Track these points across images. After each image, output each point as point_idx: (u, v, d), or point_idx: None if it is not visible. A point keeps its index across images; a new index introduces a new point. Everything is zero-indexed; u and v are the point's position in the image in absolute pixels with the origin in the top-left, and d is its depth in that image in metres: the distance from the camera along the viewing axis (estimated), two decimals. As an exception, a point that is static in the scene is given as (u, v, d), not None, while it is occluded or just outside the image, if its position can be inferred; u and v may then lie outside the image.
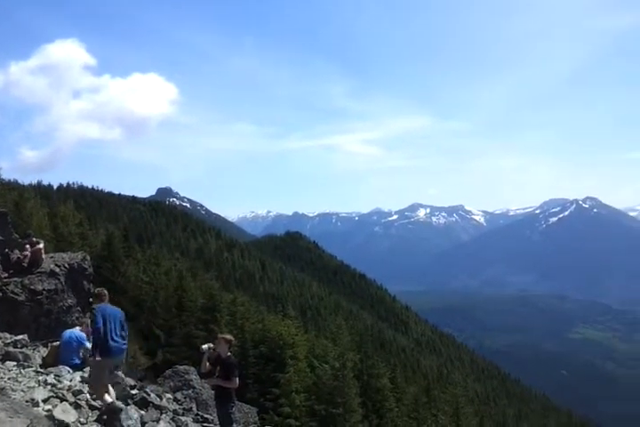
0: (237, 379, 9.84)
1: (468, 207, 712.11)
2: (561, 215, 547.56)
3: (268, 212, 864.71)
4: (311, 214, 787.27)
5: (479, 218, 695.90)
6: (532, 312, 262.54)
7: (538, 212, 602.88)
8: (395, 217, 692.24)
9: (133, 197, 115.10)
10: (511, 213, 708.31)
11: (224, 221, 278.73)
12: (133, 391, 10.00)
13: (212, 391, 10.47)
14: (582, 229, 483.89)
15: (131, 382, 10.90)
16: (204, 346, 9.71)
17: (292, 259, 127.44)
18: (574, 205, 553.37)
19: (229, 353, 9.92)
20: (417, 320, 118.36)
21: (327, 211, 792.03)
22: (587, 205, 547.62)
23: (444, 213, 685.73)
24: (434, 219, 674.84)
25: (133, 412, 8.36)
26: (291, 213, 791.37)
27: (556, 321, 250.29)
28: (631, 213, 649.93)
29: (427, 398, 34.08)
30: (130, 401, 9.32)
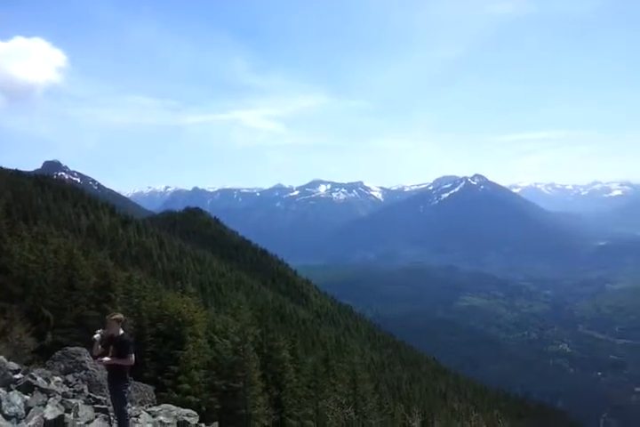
0: (133, 356, 9.61)
1: (366, 184, 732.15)
2: (451, 191, 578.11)
3: (167, 187, 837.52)
4: (212, 190, 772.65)
5: (377, 194, 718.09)
6: (425, 283, 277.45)
7: (431, 188, 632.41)
8: (296, 193, 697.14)
9: (17, 171, 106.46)
10: (407, 190, 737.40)
11: (118, 196, 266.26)
12: (17, 376, 9.45)
13: (106, 373, 10.16)
14: (470, 205, 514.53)
15: (14, 366, 10.27)
16: (96, 335, 9.44)
17: (192, 235, 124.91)
18: (463, 182, 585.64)
19: (122, 331, 9.64)
20: (317, 293, 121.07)
21: (228, 186, 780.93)
22: (475, 182, 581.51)
23: (343, 190, 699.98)
24: (334, 195, 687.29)
25: (17, 398, 7.93)
26: (190, 189, 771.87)
27: (446, 290, 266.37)
28: (514, 190, 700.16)
29: (325, 367, 35.15)
30: (13, 386, 8.80)
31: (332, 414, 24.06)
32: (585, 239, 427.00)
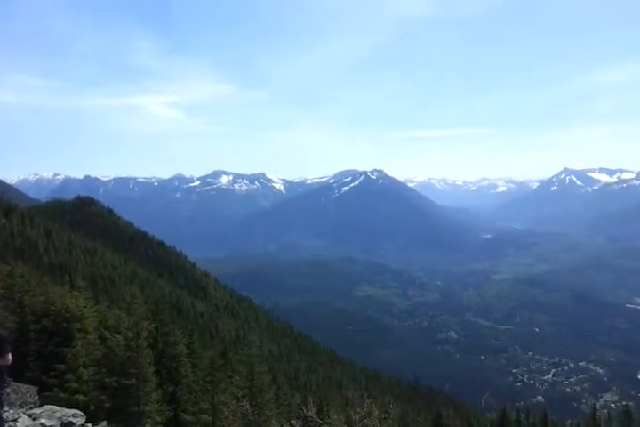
0: (10, 355, 9.06)
1: (269, 175, 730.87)
2: (351, 185, 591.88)
3: (56, 175, 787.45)
4: (105, 178, 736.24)
5: (279, 186, 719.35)
6: (324, 274, 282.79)
7: (332, 181, 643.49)
8: (197, 183, 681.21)
9: None
10: (308, 182, 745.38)
11: (1, 183, 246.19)
12: None
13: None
14: (369, 198, 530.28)
15: None
16: None
17: (83, 226, 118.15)
18: (363, 176, 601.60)
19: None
20: (216, 286, 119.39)
21: (123, 175, 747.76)
22: (374, 177, 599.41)
23: (246, 181, 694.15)
24: (236, 186, 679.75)
25: None
26: (82, 177, 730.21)
27: (344, 281, 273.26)
28: (410, 185, 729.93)
29: (223, 360, 34.87)
30: None
31: (228, 407, 23.97)
32: (473, 232, 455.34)
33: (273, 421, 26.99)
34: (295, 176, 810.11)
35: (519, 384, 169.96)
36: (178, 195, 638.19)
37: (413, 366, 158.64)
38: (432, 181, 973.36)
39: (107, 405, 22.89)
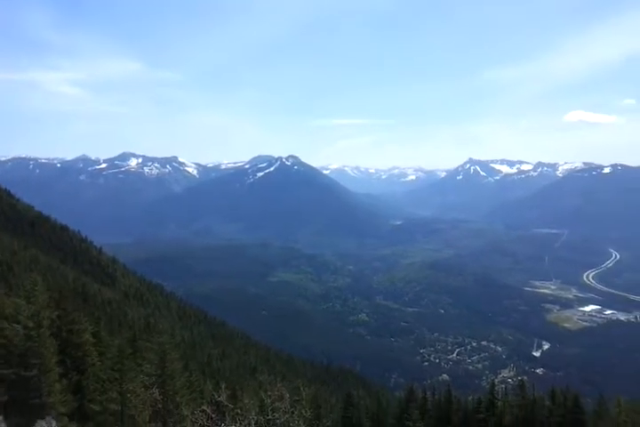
0: None
1: (181, 159, 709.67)
2: (267, 171, 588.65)
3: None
4: (3, 158, 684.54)
5: (192, 170, 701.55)
6: (239, 259, 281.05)
7: (247, 167, 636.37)
8: (103, 166, 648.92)
9: None
10: (223, 167, 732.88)
11: None
12: None
13: None
14: (284, 184, 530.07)
15: None
16: None
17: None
18: (278, 162, 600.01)
19: None
20: (125, 272, 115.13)
21: (23, 155, 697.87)
22: (289, 163, 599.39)
23: (156, 164, 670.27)
24: (146, 169, 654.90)
25: None
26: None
27: (259, 267, 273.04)
28: (325, 172, 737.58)
29: (132, 349, 33.82)
30: None
31: (138, 395, 23.32)
32: (384, 219, 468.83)
33: (184, 407, 26.61)
34: (209, 161, 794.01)
35: (426, 364, 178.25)
36: (83, 177, 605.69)
37: (327, 349, 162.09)
38: (346, 168, 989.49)
39: (3, 398, 21.56)
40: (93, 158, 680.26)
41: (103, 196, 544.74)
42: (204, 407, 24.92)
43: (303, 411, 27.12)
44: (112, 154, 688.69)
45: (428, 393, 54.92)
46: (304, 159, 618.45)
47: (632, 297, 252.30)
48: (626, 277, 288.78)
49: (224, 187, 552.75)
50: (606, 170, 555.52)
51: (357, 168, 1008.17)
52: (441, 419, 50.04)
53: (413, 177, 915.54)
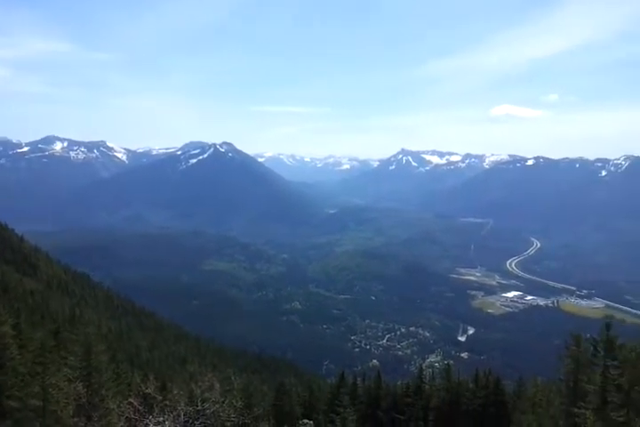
0: None
1: (110, 144, 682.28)
2: (200, 157, 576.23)
3: None
4: None
5: (121, 155, 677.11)
6: (170, 248, 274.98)
7: (179, 153, 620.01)
8: (26, 149, 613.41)
9: None
10: (154, 153, 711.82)
11: None
12: None
13: None
14: (218, 171, 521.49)
15: None
16: None
17: None
18: (212, 149, 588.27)
19: None
20: (48, 262, 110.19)
21: None
22: (223, 150, 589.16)
23: (83, 149, 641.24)
24: (72, 154, 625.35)
25: None
26: None
27: (191, 255, 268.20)
28: (259, 159, 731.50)
29: (55, 341, 32.58)
30: None
31: (61, 390, 22.50)
32: (318, 207, 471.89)
33: (110, 401, 25.97)
34: (139, 146, 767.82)
35: (357, 350, 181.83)
36: (2, 161, 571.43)
37: (260, 338, 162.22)
38: (281, 156, 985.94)
39: None
40: (15, 141, 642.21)
41: (25, 181, 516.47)
42: (131, 400, 24.47)
43: (234, 400, 27.21)
44: (35, 137, 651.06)
45: (359, 379, 56.18)
46: (239, 146, 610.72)
47: (551, 284, 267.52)
48: (545, 265, 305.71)
49: (155, 173, 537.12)
50: (530, 162, 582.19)
51: (293, 156, 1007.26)
52: (371, 404, 51.37)
53: (348, 166, 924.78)
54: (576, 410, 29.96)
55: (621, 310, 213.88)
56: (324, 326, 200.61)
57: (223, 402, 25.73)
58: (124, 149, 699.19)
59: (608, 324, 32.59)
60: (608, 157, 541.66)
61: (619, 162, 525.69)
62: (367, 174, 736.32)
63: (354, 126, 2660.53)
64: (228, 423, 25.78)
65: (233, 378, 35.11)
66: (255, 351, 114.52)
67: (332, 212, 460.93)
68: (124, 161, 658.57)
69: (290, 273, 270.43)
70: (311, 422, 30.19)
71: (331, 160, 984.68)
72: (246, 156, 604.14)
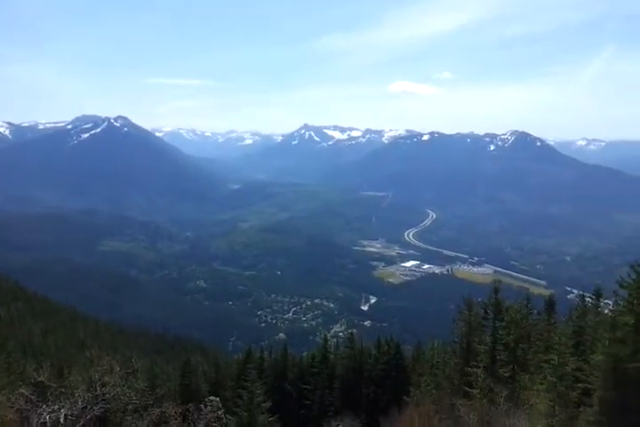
0: None
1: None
2: (93, 132, 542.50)
3: None
4: None
5: (3, 130, 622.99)
6: (62, 228, 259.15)
7: (70, 127, 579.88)
8: None
9: None
10: (41, 127, 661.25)
11: None
12: None
13: None
14: (113, 147, 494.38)
15: None
16: None
17: None
18: (106, 123, 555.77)
19: None
20: None
21: None
22: (118, 124, 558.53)
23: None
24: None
25: None
26: None
27: (86, 236, 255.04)
28: (158, 134, 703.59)
29: None
30: None
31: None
32: (221, 183, 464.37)
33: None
34: (23, 120, 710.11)
35: (263, 325, 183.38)
36: None
37: (164, 318, 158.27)
38: (181, 131, 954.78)
39: None
40: None
41: None
42: (22, 390, 23.03)
43: (135, 383, 26.46)
44: None
45: (266, 353, 56.78)
46: (135, 121, 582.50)
47: (446, 252, 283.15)
48: (441, 235, 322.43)
49: (42, 149, 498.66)
50: (425, 137, 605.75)
51: (193, 131, 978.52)
52: (278, 376, 52.16)
53: (250, 141, 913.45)
54: (469, 369, 32.14)
55: (508, 275, 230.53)
56: (230, 303, 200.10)
57: (124, 385, 24.98)
58: (7, 122, 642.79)
59: (496, 288, 35.07)
60: (496, 133, 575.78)
61: (505, 137, 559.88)
62: (270, 149, 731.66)
63: (255, 101, 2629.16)
64: (130, 406, 25.08)
65: (134, 360, 34.13)
66: (158, 332, 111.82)
67: (235, 187, 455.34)
68: (6, 136, 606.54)
69: (193, 251, 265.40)
70: (217, 398, 30.06)
71: (233, 135, 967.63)
72: (143, 130, 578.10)
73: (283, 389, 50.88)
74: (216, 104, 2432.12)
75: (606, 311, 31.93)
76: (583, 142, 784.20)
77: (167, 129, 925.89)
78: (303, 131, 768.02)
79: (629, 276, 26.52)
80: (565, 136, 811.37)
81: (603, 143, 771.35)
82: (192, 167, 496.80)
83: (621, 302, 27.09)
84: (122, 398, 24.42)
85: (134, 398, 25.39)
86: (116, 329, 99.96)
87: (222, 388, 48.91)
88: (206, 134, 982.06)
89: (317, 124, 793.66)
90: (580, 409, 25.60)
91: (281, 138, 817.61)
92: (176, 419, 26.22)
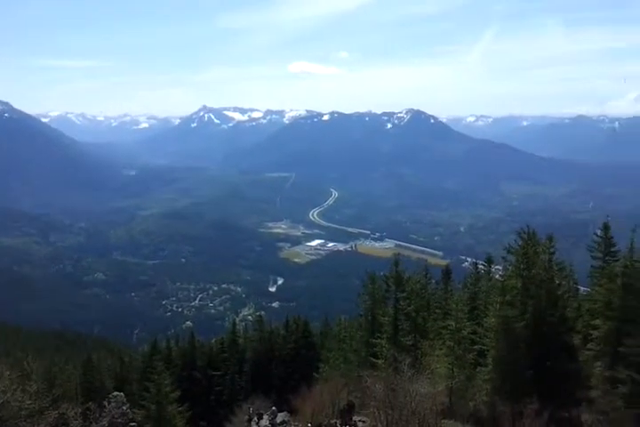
0: None
1: None
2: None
3: None
4: None
5: None
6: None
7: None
8: None
9: None
10: None
11: None
12: None
13: None
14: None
15: None
16: None
17: None
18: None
19: None
20: None
21: None
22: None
23: None
24: None
25: None
26: None
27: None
28: (44, 120, 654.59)
29: None
30: None
31: None
32: (116, 169, 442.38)
33: None
34: None
35: (169, 314, 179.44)
36: None
37: (61, 315, 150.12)
38: (70, 115, 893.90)
39: None
40: None
41: None
42: None
43: (27, 386, 24.65)
44: None
45: (172, 343, 55.44)
46: (18, 106, 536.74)
47: (349, 230, 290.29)
48: (344, 213, 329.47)
49: None
50: (326, 117, 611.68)
51: (83, 115, 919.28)
52: (186, 365, 51.10)
53: (146, 124, 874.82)
54: (374, 341, 33.12)
55: (408, 248, 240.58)
56: (133, 295, 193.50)
57: (15, 390, 23.19)
58: None
59: (396, 261, 36.22)
60: (394, 111, 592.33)
61: (401, 115, 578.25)
62: (168, 133, 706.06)
63: (151, 82, 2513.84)
64: (24, 411, 23.36)
65: (28, 362, 31.95)
66: (57, 329, 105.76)
67: (132, 173, 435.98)
68: None
69: (90, 242, 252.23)
70: (122, 393, 28.85)
71: (127, 119, 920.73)
72: (27, 116, 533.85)
73: (192, 377, 50.03)
74: (107, 86, 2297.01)
75: (497, 277, 34.07)
76: (472, 119, 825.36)
77: (55, 114, 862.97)
78: (202, 113, 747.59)
79: (516, 242, 28.45)
80: (456, 113, 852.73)
81: (490, 119, 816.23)
82: (83, 154, 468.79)
83: (510, 267, 29.04)
84: (12, 404, 22.68)
85: (28, 402, 23.70)
86: (10, 330, 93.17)
87: (128, 383, 47.33)
88: (98, 118, 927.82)
89: (217, 105, 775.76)
90: (477, 370, 27.25)
91: (179, 121, 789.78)
92: (76, 419, 24.91)
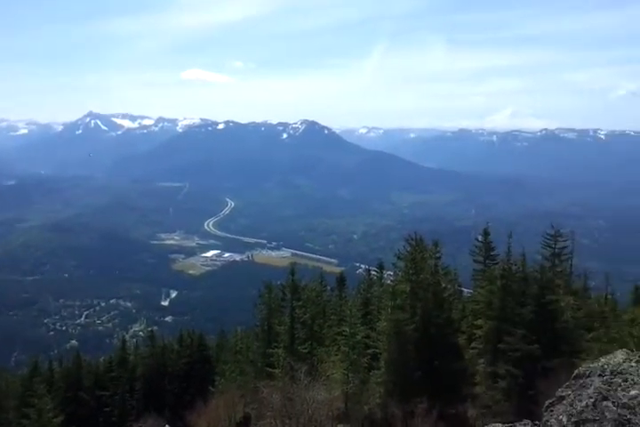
0: None
1: None
2: None
3: None
4: None
5: None
6: None
7: None
8: None
9: None
10: None
11: None
12: None
13: None
14: None
15: None
16: None
17: None
18: None
19: None
20: None
21: None
22: None
23: None
24: None
25: None
26: None
27: None
28: None
29: None
30: None
31: None
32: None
33: None
34: None
35: (52, 333, 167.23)
36: None
37: None
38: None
39: None
40: None
41: None
42: None
43: None
44: None
45: (55, 364, 51.90)
46: None
47: (245, 239, 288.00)
48: (240, 222, 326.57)
49: None
50: (221, 126, 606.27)
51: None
52: (71, 386, 47.88)
53: (26, 131, 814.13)
54: (271, 350, 32.94)
55: (304, 257, 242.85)
56: (11, 314, 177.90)
57: None
58: None
59: (292, 270, 36.41)
60: (288, 121, 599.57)
61: (297, 126, 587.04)
62: (50, 140, 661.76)
63: (32, 86, 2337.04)
64: None
65: None
66: None
67: (9, 183, 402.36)
68: None
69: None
70: (-5, 423, 26.40)
71: (4, 124, 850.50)
72: None
73: (78, 398, 46.90)
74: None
75: (388, 282, 35.30)
76: (364, 130, 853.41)
77: None
78: (88, 119, 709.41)
79: (405, 248, 29.69)
80: (349, 124, 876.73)
81: (381, 131, 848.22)
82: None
83: (399, 273, 30.25)
84: None
85: None
86: None
87: (4, 410, 43.34)
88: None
89: (105, 112, 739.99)
90: (371, 373, 27.96)
91: (62, 127, 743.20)
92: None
